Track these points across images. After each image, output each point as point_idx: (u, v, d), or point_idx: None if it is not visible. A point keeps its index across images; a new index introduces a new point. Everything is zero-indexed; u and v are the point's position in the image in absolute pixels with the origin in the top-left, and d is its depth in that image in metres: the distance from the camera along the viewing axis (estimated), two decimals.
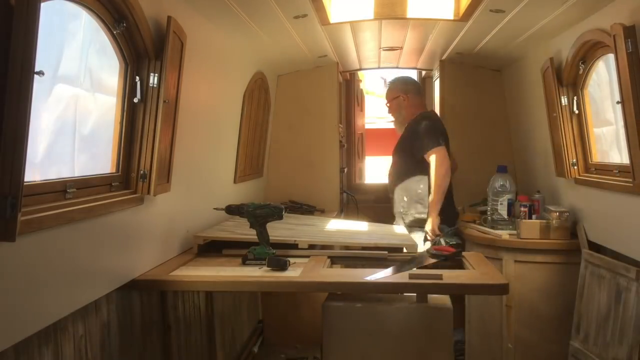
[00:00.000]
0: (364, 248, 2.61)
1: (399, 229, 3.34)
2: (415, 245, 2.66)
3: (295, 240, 2.59)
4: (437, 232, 3.22)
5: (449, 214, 3.42)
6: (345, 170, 4.95)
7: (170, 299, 2.39)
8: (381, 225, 3.47)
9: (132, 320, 2.12)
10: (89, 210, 1.71)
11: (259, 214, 2.40)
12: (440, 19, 3.05)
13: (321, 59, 3.99)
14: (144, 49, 2.01)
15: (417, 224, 3.43)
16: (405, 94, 3.62)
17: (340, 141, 4.39)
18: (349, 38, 3.55)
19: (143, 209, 2.09)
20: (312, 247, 2.60)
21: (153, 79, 2.02)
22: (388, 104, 3.74)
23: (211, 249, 2.59)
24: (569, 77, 2.89)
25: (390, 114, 3.81)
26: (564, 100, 2.92)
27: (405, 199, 3.51)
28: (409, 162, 3.50)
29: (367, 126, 7.01)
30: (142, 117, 2.03)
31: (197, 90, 2.55)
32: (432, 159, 3.32)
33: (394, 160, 3.66)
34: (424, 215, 3.40)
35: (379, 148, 7.02)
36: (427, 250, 2.57)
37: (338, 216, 4.14)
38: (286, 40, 3.25)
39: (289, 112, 4.26)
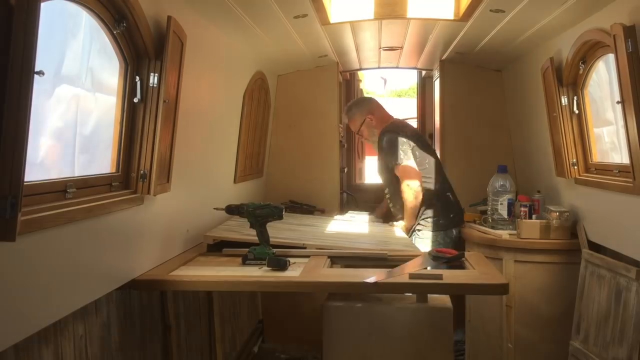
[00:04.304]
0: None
1: (399, 231, 3.35)
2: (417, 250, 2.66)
3: (304, 244, 2.60)
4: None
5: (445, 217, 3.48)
6: (345, 170, 4.95)
7: (170, 299, 2.39)
8: (383, 226, 3.48)
9: (132, 320, 2.12)
10: (89, 210, 1.71)
11: (259, 214, 2.41)
12: (440, 19, 3.05)
13: (321, 59, 3.99)
14: (144, 49, 2.01)
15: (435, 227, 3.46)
16: (371, 114, 3.62)
17: (340, 141, 4.38)
18: (349, 38, 3.55)
19: (143, 209, 2.09)
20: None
21: (153, 79, 2.02)
22: (357, 132, 3.70)
23: (211, 248, 2.59)
24: (569, 77, 2.89)
25: (365, 140, 3.80)
26: (564, 100, 2.92)
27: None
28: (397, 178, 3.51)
29: None
30: (142, 117, 2.03)
31: (197, 90, 2.55)
32: (401, 177, 3.45)
33: (385, 181, 3.66)
34: (433, 218, 3.45)
35: None
36: (429, 252, 2.57)
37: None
38: (286, 40, 3.25)
39: (289, 112, 4.25)
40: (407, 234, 3.41)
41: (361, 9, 3.06)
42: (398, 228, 3.41)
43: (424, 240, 3.40)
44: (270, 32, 3.02)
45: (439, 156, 4.27)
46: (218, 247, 2.59)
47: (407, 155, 3.42)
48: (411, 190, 3.40)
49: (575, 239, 2.99)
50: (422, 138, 3.72)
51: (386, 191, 3.67)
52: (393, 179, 3.53)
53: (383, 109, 3.70)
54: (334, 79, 4.26)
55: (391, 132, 3.52)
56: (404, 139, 3.47)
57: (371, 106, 3.68)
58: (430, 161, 3.54)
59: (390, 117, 3.71)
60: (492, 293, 2.70)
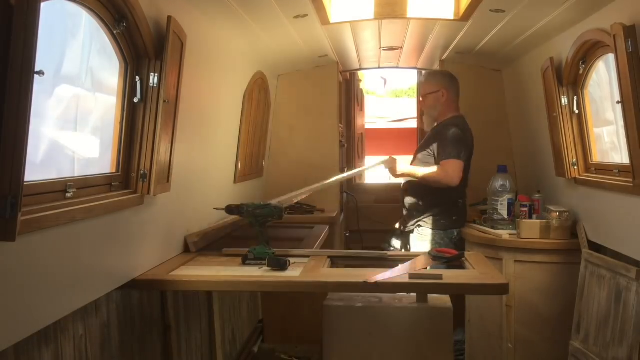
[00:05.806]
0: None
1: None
2: None
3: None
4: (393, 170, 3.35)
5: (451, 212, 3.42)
6: (345, 170, 4.95)
7: (170, 299, 2.39)
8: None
9: (132, 320, 2.12)
10: (89, 210, 1.71)
11: (259, 214, 2.41)
12: (440, 18, 3.05)
13: (321, 58, 3.99)
14: (144, 49, 2.01)
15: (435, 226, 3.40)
16: (446, 90, 3.42)
17: (340, 141, 4.39)
18: (349, 38, 3.55)
19: (143, 209, 2.09)
20: None
21: (153, 79, 2.02)
22: (422, 97, 3.50)
23: (211, 248, 2.59)
24: (569, 77, 2.89)
25: (422, 109, 3.59)
26: (564, 100, 2.92)
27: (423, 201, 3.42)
28: (432, 164, 3.35)
29: (367, 126, 7.02)
30: (142, 117, 2.03)
31: (197, 90, 2.55)
32: (445, 166, 3.25)
33: (417, 160, 3.49)
34: (435, 217, 3.38)
35: (379, 148, 7.04)
36: (429, 252, 2.57)
37: (338, 216, 4.14)
38: (286, 40, 3.25)
39: (289, 112, 4.26)
40: (392, 174, 3.35)
41: (361, 9, 3.06)
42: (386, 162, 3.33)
43: (424, 238, 3.38)
44: (271, 32, 3.02)
45: None
46: (212, 248, 2.58)
47: (461, 158, 3.26)
48: (440, 180, 3.24)
49: (575, 239, 2.99)
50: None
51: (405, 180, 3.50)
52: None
53: (457, 97, 3.49)
54: (334, 79, 4.27)
55: (462, 129, 3.36)
56: (467, 143, 3.34)
57: (450, 84, 3.47)
58: (467, 172, 3.39)
59: (457, 108, 3.49)
60: (492, 293, 2.70)
